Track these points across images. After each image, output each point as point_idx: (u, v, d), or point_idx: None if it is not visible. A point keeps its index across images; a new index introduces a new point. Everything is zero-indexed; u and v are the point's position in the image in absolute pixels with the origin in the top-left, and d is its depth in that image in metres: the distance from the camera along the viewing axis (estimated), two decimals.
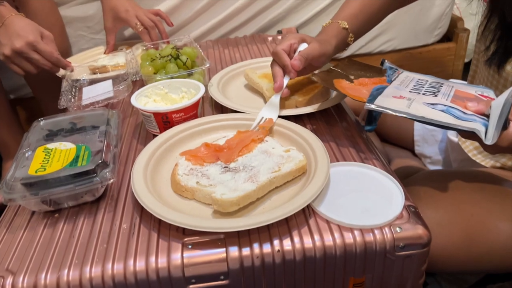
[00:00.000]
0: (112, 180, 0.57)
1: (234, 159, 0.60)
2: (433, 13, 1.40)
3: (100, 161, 0.57)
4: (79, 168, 0.56)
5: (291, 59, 0.70)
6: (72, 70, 0.96)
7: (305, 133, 0.66)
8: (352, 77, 0.74)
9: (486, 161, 0.81)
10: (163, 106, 0.76)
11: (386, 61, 0.79)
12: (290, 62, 0.69)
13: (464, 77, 1.25)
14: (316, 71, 0.76)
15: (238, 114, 0.73)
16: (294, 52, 0.72)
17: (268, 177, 0.56)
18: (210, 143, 0.64)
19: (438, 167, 0.98)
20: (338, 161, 0.63)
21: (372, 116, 0.71)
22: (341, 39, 0.76)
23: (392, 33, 1.42)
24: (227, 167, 0.59)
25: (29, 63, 0.93)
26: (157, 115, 0.70)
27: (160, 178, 0.61)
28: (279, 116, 0.71)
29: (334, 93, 0.81)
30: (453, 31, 1.49)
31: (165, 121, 0.70)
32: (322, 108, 0.75)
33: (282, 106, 0.76)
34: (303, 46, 0.72)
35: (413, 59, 1.49)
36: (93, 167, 0.56)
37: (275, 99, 0.72)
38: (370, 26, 0.84)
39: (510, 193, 0.68)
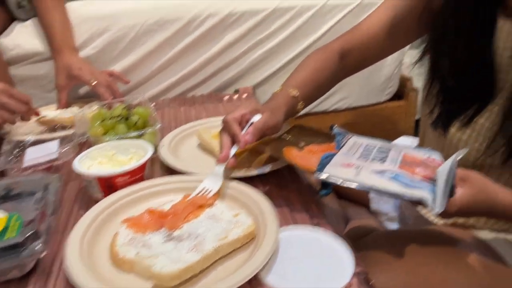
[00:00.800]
0: (43, 254, 0.52)
1: (179, 226, 0.57)
2: (383, 73, 1.47)
3: (31, 232, 0.53)
4: (4, 242, 0.51)
5: (242, 128, 0.70)
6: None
7: (255, 195, 0.64)
8: (302, 143, 0.74)
9: (438, 219, 0.82)
10: (107, 169, 0.73)
11: (335, 126, 0.80)
12: (240, 132, 0.69)
13: (416, 134, 1.29)
14: (267, 139, 0.76)
15: (188, 176, 0.71)
16: (246, 122, 0.71)
17: (213, 246, 0.53)
18: (154, 209, 0.61)
19: (395, 224, 0.98)
20: (289, 225, 0.61)
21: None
22: (290, 106, 0.77)
23: (346, 91, 1.47)
24: (171, 235, 0.56)
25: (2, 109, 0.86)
26: (100, 179, 0.66)
27: (100, 249, 0.57)
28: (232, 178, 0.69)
29: None
30: (403, 90, 1.56)
31: (109, 185, 0.67)
32: (274, 169, 0.74)
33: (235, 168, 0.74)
34: (256, 117, 0.71)
35: (367, 116, 1.53)
36: (22, 240, 0.51)
37: (219, 169, 0.69)
38: (320, 93, 0.87)
39: (464, 254, 0.67)
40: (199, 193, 0.65)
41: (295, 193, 0.71)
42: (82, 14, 1.21)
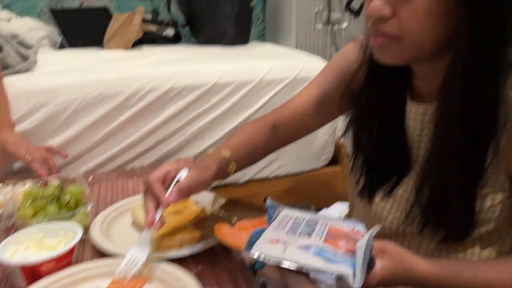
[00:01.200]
0: None
1: None
2: (318, 142, 1.56)
3: None
4: None
5: (168, 187, 0.69)
6: None
7: (185, 277, 0.64)
8: (235, 218, 0.76)
9: None
10: (33, 254, 0.71)
11: (268, 198, 0.83)
12: (163, 193, 0.68)
13: None
14: (200, 215, 0.77)
15: (117, 259, 0.71)
16: (171, 180, 0.71)
17: None
18: None
19: None
20: None
21: None
22: (221, 167, 0.78)
23: (284, 159, 1.53)
24: None
25: None
26: (24, 268, 0.65)
27: None
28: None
29: None
30: (339, 155, 1.66)
31: (33, 273, 0.65)
32: (206, 248, 0.75)
33: (166, 246, 0.74)
34: (182, 174, 0.71)
35: (305, 182, 1.60)
36: None
37: (145, 236, 0.68)
38: (253, 160, 0.89)
39: None
40: (128, 262, 0.64)
41: (226, 272, 0.72)
42: (20, 88, 1.22)
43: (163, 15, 2.27)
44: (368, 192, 0.82)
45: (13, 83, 1.22)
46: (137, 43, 1.92)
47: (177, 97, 1.34)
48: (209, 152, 0.82)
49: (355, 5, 2.23)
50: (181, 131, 1.37)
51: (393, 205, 0.79)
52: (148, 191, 0.71)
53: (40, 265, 0.65)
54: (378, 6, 0.60)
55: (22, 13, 2.06)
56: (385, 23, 0.61)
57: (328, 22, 2.21)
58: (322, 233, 0.71)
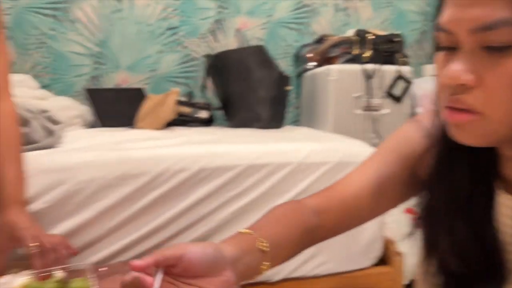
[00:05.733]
0: None
1: None
2: (365, 237, 1.36)
3: None
4: None
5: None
6: None
7: None
8: None
9: None
10: None
11: None
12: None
13: None
14: None
15: None
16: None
17: None
18: None
19: None
20: None
21: None
22: (250, 260, 0.57)
23: (326, 255, 1.33)
24: None
25: None
26: None
27: None
28: None
29: None
30: (387, 254, 1.43)
31: None
32: None
33: None
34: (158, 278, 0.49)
35: (350, 284, 1.37)
36: None
37: None
38: (292, 252, 0.68)
39: None
40: None
41: None
42: (39, 165, 1.12)
43: (198, 98, 2.25)
44: None
45: (34, 158, 1.13)
46: (170, 125, 1.86)
47: (207, 179, 1.20)
48: (241, 232, 0.60)
49: (396, 91, 2.15)
50: (209, 217, 1.21)
51: None
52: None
53: None
54: (458, 72, 0.47)
55: (60, 93, 2.07)
56: (466, 94, 0.48)
57: (367, 107, 2.11)
58: None
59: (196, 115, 2.03)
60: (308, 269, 1.32)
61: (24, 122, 1.26)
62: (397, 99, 2.16)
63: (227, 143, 1.43)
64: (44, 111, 1.41)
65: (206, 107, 2.09)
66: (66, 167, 1.13)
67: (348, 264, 1.36)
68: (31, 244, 0.94)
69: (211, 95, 2.27)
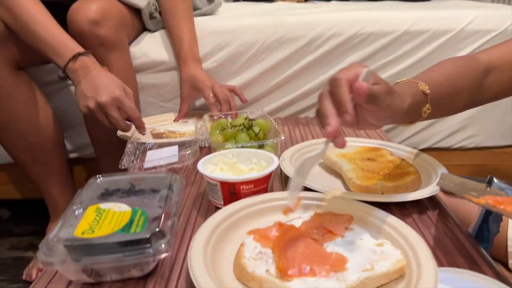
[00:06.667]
0: (166, 254, 0.47)
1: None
2: None
3: (156, 230, 0.48)
4: (131, 235, 0.47)
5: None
6: (144, 132, 0.93)
7: (400, 226, 0.54)
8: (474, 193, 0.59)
9: None
10: (230, 175, 0.68)
11: (494, 178, 0.63)
12: (348, 100, 0.49)
13: None
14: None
15: (314, 193, 0.63)
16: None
17: (358, 277, 0.44)
18: (284, 223, 0.54)
19: None
20: (439, 266, 0.50)
21: (486, 233, 0.57)
22: (416, 102, 0.60)
23: (475, 129, 1.30)
24: None
25: (106, 118, 0.91)
26: (224, 184, 0.61)
27: (221, 259, 0.51)
28: (362, 201, 0.60)
29: (426, 183, 0.70)
30: None
31: (232, 192, 0.61)
32: (415, 199, 0.63)
33: (367, 190, 0.65)
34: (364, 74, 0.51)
35: (497, 159, 1.34)
36: (148, 235, 0.47)
37: (325, 145, 0.53)
38: (452, 107, 0.69)
39: None
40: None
41: (441, 229, 0.59)
42: (206, 28, 1.23)
43: None
44: None
45: (200, 23, 1.24)
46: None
47: (361, 44, 1.21)
48: (400, 81, 0.64)
49: None
50: None
51: None
52: (330, 93, 0.51)
53: (240, 183, 0.61)
54: None
55: None
56: None
57: None
58: None
59: None
60: (455, 141, 1.31)
61: None
62: None
63: (381, 10, 1.39)
64: None
65: None
66: (231, 30, 1.22)
67: (498, 139, 1.32)
68: (209, 97, 1.10)
69: None
